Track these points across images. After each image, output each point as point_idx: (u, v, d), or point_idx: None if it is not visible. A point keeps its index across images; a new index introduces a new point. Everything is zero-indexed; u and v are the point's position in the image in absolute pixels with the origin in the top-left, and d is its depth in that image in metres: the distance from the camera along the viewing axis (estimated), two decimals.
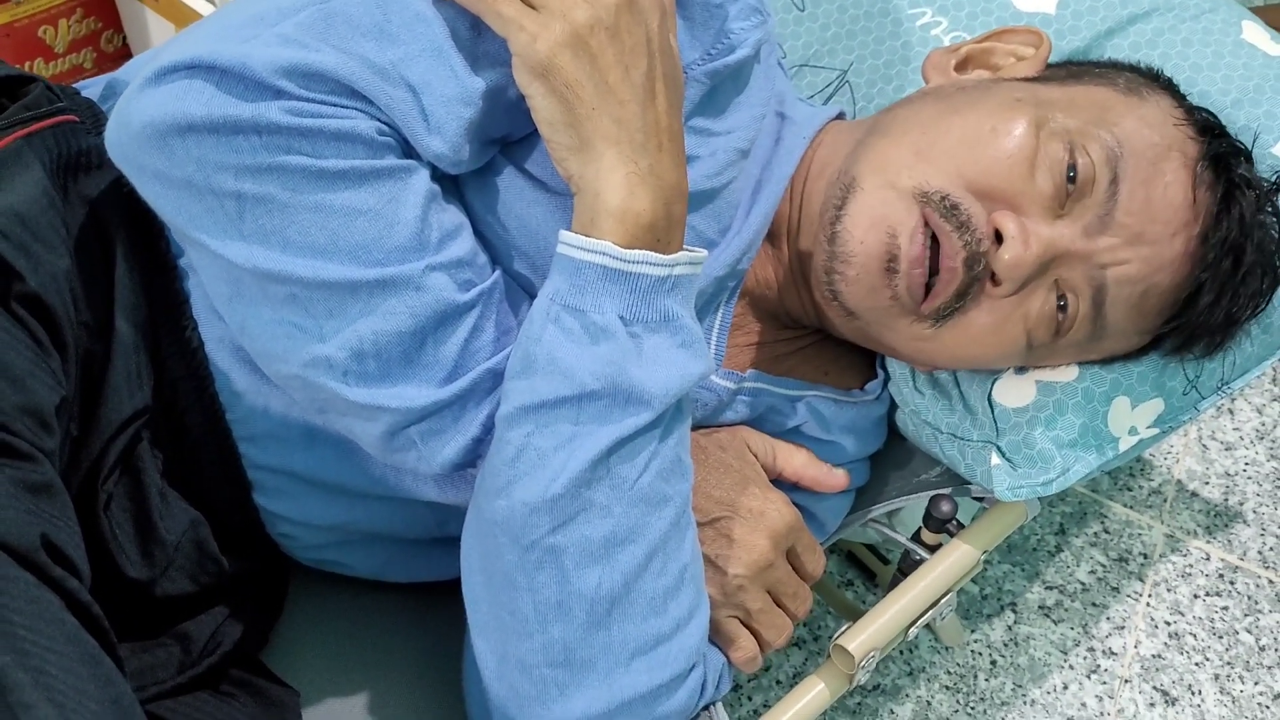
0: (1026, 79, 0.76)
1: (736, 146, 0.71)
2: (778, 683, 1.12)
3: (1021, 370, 0.80)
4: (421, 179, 0.62)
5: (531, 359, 0.61)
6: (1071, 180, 0.69)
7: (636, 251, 0.60)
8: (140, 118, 0.59)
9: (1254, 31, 0.90)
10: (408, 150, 0.62)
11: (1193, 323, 0.74)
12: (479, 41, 0.62)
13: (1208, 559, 1.24)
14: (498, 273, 0.66)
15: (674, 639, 0.65)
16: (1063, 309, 0.71)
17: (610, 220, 0.60)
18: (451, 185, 0.67)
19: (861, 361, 0.86)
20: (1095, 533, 1.26)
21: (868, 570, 1.19)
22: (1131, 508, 1.28)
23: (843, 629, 0.77)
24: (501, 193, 0.67)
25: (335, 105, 0.59)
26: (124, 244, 0.69)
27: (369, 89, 0.59)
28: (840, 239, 0.70)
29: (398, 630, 0.83)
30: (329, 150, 0.58)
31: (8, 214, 0.64)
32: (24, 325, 0.63)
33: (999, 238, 0.68)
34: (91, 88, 0.77)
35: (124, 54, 1.43)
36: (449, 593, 0.81)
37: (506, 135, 0.66)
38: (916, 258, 0.68)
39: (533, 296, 0.68)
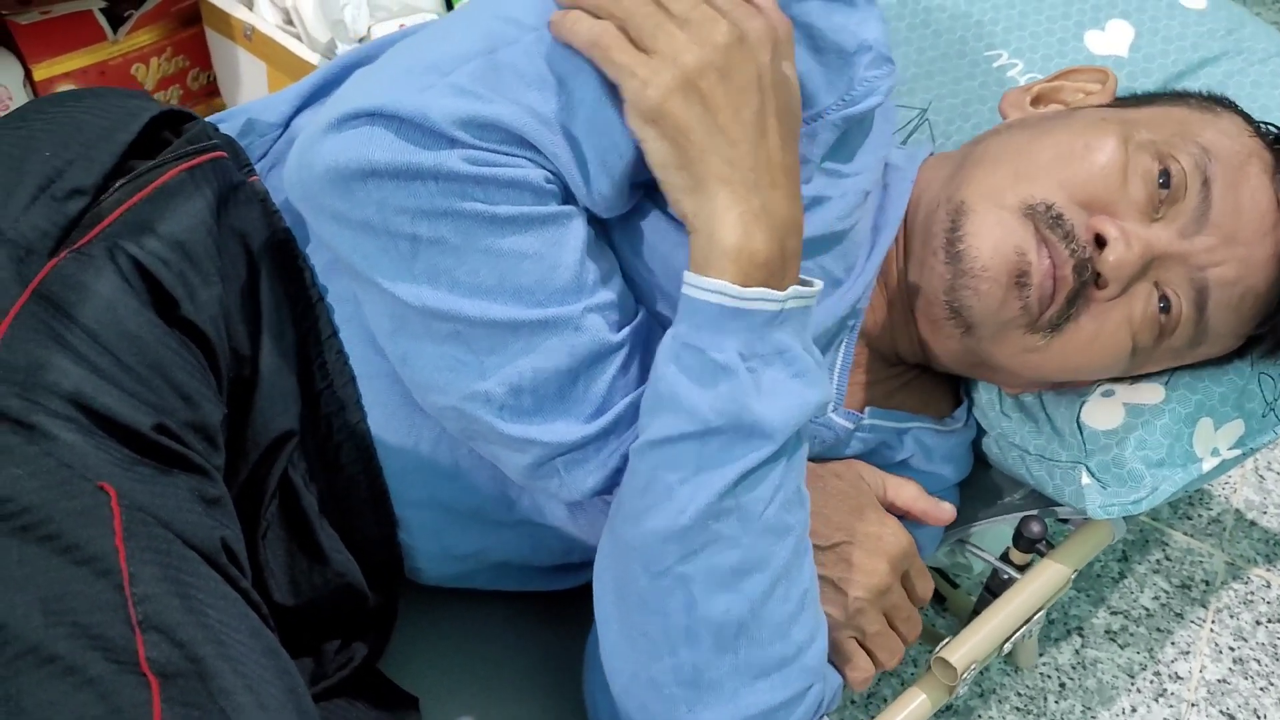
0: (1103, 105, 0.81)
1: (863, 189, 0.74)
2: (852, 702, 1.14)
3: (1109, 393, 0.84)
4: (580, 224, 0.65)
5: (658, 396, 0.63)
6: (1165, 185, 0.72)
7: (752, 289, 0.61)
8: (324, 161, 0.61)
9: None
10: (567, 196, 0.65)
11: None
12: None
13: (1268, 586, 1.27)
14: (643, 312, 0.69)
15: (796, 660, 0.67)
16: (1165, 310, 0.74)
17: (725, 260, 0.61)
18: (600, 229, 0.69)
19: (949, 391, 0.89)
20: (1157, 560, 1.29)
21: (937, 594, 1.22)
22: (1192, 536, 1.31)
23: (943, 643, 0.80)
24: (647, 235, 0.69)
25: (507, 154, 0.62)
26: (269, 276, 0.72)
27: (537, 138, 0.62)
28: (967, 256, 0.72)
29: (508, 639, 0.86)
30: (500, 197, 0.61)
31: (170, 242, 0.67)
32: (186, 348, 0.67)
33: (1100, 243, 0.71)
34: (228, 121, 0.81)
35: (209, 91, 1.49)
36: (558, 601, 0.85)
37: (649, 178, 0.68)
38: (1047, 270, 0.71)
39: None
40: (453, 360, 0.64)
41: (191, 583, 0.56)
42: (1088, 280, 0.72)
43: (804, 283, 0.65)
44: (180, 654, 0.52)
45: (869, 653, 0.74)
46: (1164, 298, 0.74)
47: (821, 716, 0.73)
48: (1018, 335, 0.74)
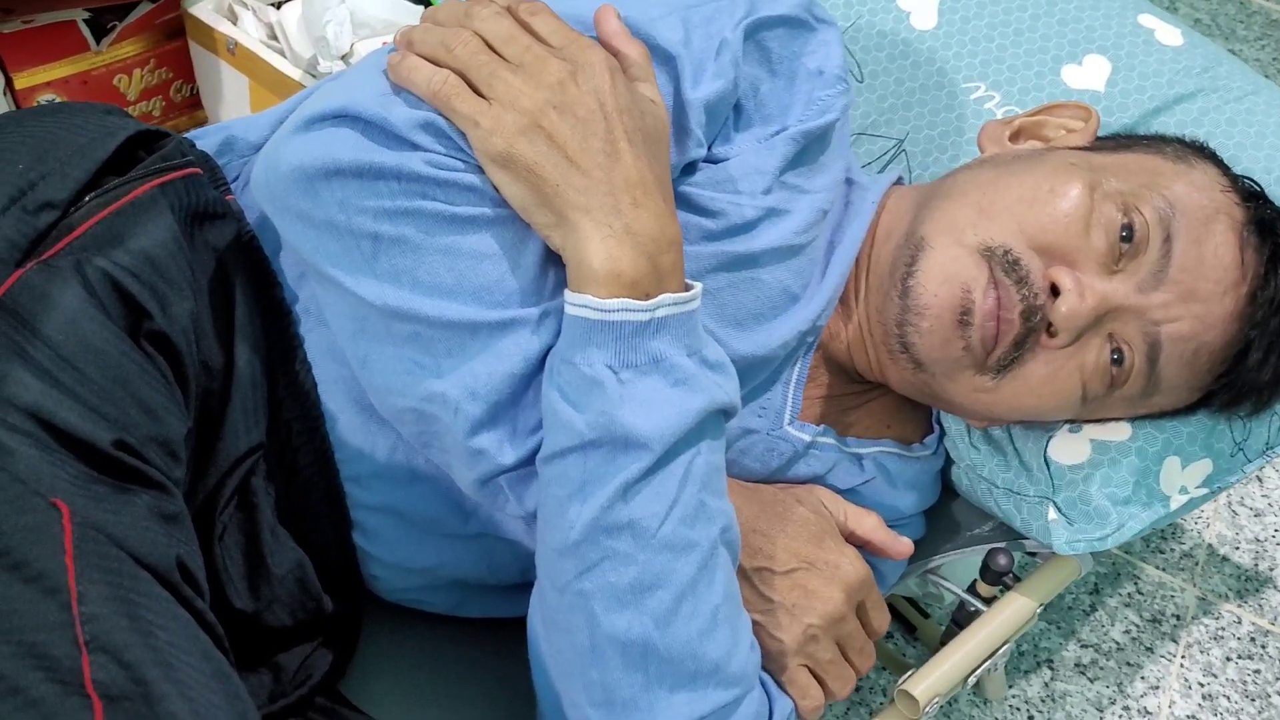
0: (1078, 148, 0.81)
1: (820, 206, 0.75)
2: None
3: (1075, 429, 0.84)
4: None
5: (546, 413, 0.64)
6: (1126, 239, 0.73)
7: (615, 300, 0.61)
8: (289, 161, 0.63)
9: None
10: None
11: (1241, 380, 0.77)
12: None
13: (1239, 622, 1.27)
14: None
15: (715, 674, 0.66)
16: (1118, 362, 0.74)
17: (593, 284, 0.62)
18: None
19: (919, 416, 0.89)
20: (1129, 593, 1.29)
21: (907, 623, 1.21)
22: (1164, 570, 1.31)
23: (906, 675, 0.80)
24: None
25: (466, 160, 0.63)
26: (243, 290, 0.72)
27: None
28: (914, 293, 0.73)
29: (471, 662, 0.85)
30: (461, 198, 0.63)
31: (140, 256, 0.68)
32: (152, 361, 0.67)
33: (1055, 291, 0.72)
34: (206, 139, 0.81)
35: (191, 103, 1.49)
36: (521, 627, 0.84)
37: None
38: (989, 311, 0.72)
39: None
40: (410, 363, 0.64)
41: (142, 603, 0.55)
42: (1036, 326, 0.72)
43: (685, 288, 0.65)
44: (126, 676, 0.52)
45: (820, 681, 0.74)
46: (1117, 350, 0.74)
47: None
48: (968, 376, 0.75)
